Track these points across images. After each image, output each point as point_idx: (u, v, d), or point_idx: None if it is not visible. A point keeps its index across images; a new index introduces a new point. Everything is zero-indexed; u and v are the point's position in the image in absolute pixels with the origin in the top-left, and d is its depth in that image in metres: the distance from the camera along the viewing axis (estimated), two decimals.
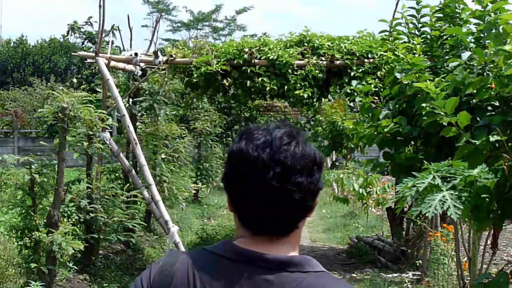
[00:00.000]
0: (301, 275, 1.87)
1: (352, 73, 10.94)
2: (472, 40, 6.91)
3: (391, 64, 9.02)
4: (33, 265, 8.22)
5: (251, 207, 1.90)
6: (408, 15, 9.01)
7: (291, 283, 1.84)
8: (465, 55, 6.27)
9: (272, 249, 1.90)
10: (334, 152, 23.07)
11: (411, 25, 8.91)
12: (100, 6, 10.51)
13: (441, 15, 8.30)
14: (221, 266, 1.88)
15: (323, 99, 13.39)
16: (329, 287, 1.88)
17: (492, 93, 4.62)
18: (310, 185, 1.90)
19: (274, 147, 1.88)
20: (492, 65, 4.79)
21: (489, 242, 6.14)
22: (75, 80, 38.30)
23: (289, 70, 11.07)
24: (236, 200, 1.95)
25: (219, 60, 11.21)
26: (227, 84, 11.23)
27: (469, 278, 6.93)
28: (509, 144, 3.99)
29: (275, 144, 1.88)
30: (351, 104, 15.82)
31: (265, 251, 1.89)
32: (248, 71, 11.16)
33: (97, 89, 18.14)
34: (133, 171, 10.93)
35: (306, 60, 11.23)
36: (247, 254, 1.88)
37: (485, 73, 5.16)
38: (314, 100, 11.91)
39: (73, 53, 12.28)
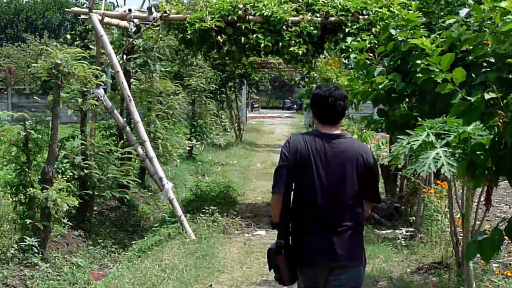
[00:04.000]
0: (345, 139, 4.64)
1: (347, 30, 10.87)
2: None
3: (386, 21, 8.94)
4: (28, 221, 8.26)
5: (323, 113, 4.65)
6: None
7: (344, 142, 4.59)
8: (463, 11, 6.20)
9: (332, 130, 4.63)
10: None
11: None
12: None
13: None
14: (315, 138, 4.59)
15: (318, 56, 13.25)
16: (359, 145, 4.73)
17: (488, 49, 4.60)
18: (344, 105, 4.67)
19: (330, 90, 4.62)
20: (489, 22, 4.75)
21: (482, 198, 6.16)
22: (68, 36, 37.99)
23: (284, 27, 11.00)
24: (316, 112, 4.69)
25: (213, 16, 11.11)
26: (221, 40, 11.15)
27: (462, 234, 6.97)
28: (504, 101, 3.97)
29: (330, 90, 4.63)
30: (346, 61, 15.68)
31: (330, 132, 4.62)
32: (243, 27, 11.09)
33: (91, 46, 17.95)
34: (127, 128, 10.94)
35: (301, 16, 11.15)
36: (324, 133, 4.61)
37: (481, 30, 5.12)
38: (309, 57, 11.84)
39: (66, 9, 12.17)
